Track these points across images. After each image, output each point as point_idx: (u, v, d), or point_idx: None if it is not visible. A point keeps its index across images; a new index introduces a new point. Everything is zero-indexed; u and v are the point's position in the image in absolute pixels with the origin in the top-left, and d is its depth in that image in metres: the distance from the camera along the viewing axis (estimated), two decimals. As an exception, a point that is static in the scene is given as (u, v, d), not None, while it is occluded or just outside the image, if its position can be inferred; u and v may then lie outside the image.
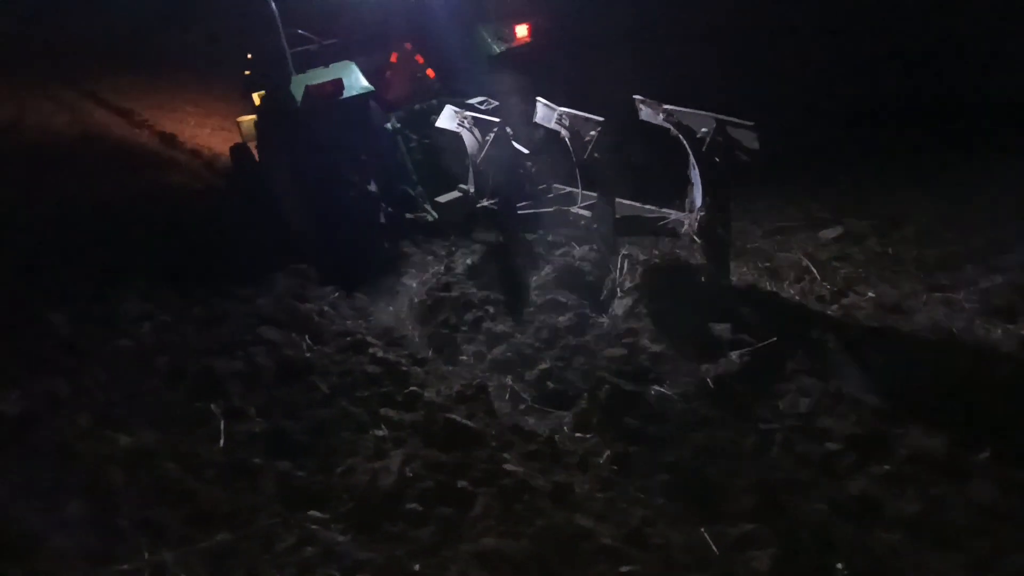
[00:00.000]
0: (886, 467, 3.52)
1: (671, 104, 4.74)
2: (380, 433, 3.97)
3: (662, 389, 4.15)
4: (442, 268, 5.88)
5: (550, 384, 4.31)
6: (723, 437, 3.83)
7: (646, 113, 4.88)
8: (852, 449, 3.62)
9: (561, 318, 4.89)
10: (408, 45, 7.02)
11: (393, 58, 6.95)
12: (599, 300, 5.20)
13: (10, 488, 3.47)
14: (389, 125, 6.66)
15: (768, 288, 5.34)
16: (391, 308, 5.67)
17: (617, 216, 5.18)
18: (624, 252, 5.41)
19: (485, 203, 5.61)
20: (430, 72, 7.09)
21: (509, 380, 4.38)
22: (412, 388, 4.36)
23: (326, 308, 5.54)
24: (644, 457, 3.76)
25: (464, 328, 5.05)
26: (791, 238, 6.27)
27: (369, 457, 3.79)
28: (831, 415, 3.90)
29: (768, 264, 5.76)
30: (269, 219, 6.72)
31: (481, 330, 4.95)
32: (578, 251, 5.67)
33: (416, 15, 6.95)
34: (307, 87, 5.90)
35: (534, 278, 5.42)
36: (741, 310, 4.96)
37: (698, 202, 4.75)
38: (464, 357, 4.75)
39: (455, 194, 6.07)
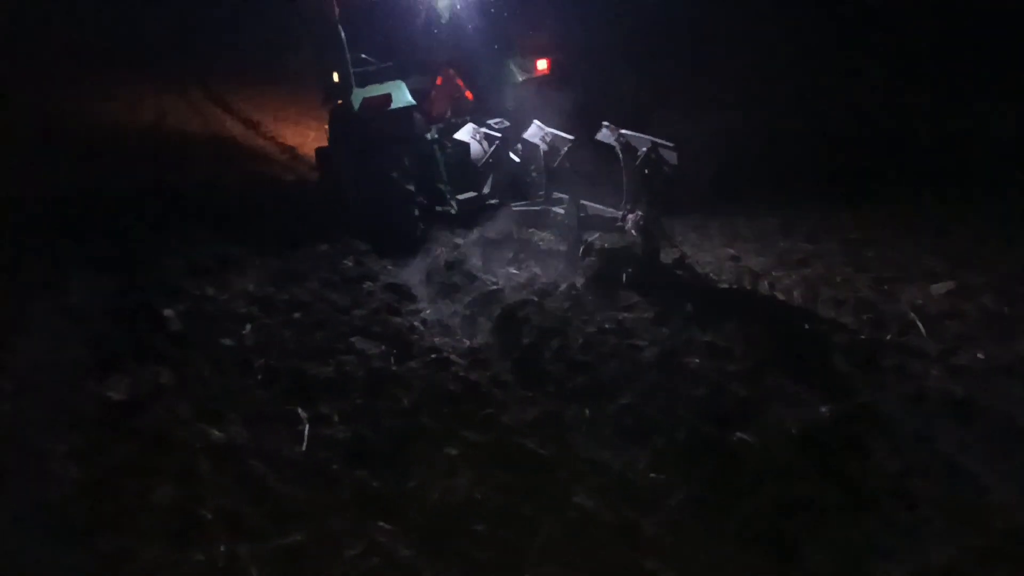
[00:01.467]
0: (979, 541, 3.29)
1: (626, 130, 6.22)
2: (454, 452, 4.01)
3: (745, 436, 4.02)
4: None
5: (628, 418, 4.25)
6: (805, 491, 3.67)
7: (603, 134, 6.32)
8: (942, 517, 3.40)
9: (644, 353, 4.84)
10: (450, 71, 8.30)
11: (438, 81, 8.30)
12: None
13: (107, 468, 3.71)
14: (429, 135, 7.90)
15: (869, 340, 5.11)
16: (478, 321, 5.74)
17: (581, 214, 6.60)
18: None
19: (491, 200, 7.40)
20: (468, 94, 8.40)
21: (588, 412, 4.35)
22: (490, 410, 4.40)
23: (416, 324, 5.68)
24: (720, 503, 3.65)
25: (546, 354, 5.06)
26: (899, 289, 5.99)
27: (441, 474, 3.84)
28: (924, 478, 3.69)
29: (871, 315, 5.51)
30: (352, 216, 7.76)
31: (562, 357, 4.95)
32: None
33: (458, 46, 8.31)
34: (364, 99, 7.39)
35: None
36: (837, 361, 4.79)
37: (630, 203, 6.28)
38: (545, 384, 4.75)
39: (471, 193, 7.65)
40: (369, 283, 6.41)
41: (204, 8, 19.06)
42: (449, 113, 8.27)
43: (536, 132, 6.85)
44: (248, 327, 5.42)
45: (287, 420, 4.32)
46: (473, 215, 7.52)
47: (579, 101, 7.45)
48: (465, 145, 7.33)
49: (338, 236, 7.38)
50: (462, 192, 7.74)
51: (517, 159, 7.11)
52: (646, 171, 5.97)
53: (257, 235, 7.42)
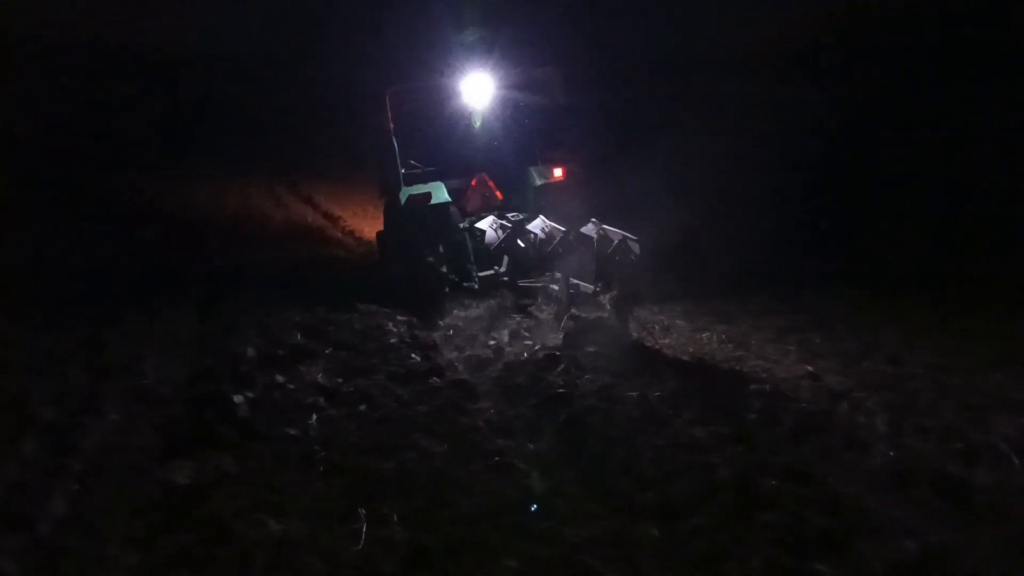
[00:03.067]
0: None
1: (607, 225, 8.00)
2: (513, 564, 3.84)
3: (824, 569, 3.75)
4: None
5: (699, 542, 4.02)
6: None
7: (587, 228, 8.07)
8: None
9: (717, 472, 4.63)
10: (483, 175, 10.16)
11: (472, 182, 10.13)
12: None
13: (164, 555, 3.67)
14: (462, 225, 9.57)
15: (956, 474, 4.77)
16: (543, 424, 5.65)
17: (570, 291, 8.16)
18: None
19: (505, 277, 9.01)
20: (498, 194, 10.19)
21: (656, 533, 4.13)
22: (552, 523, 4.23)
23: (480, 424, 5.59)
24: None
25: (613, 465, 4.90)
26: (988, 418, 5.63)
27: (499, 588, 3.67)
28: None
29: (960, 445, 5.17)
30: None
31: (630, 470, 4.78)
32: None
33: (490, 155, 10.34)
34: (409, 195, 9.23)
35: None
36: (924, 494, 4.48)
37: (600, 282, 7.99)
38: (611, 498, 4.57)
39: (491, 272, 9.18)
40: (436, 379, 6.41)
41: (295, 112, 20.97)
42: (482, 209, 9.94)
43: (538, 224, 8.44)
44: (314, 418, 5.43)
45: (345, 517, 4.24)
46: (491, 288, 9.01)
47: (589, 203, 8.84)
48: (482, 232, 8.83)
49: (403, 324, 7.96)
50: (484, 271, 9.32)
51: (523, 244, 8.60)
52: (616, 258, 7.82)
53: (327, 319, 7.78)
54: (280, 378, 6.19)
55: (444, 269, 9.15)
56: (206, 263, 11.16)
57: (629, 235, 7.84)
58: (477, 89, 10.06)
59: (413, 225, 9.16)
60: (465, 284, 9.22)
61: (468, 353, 7.29)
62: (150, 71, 21.57)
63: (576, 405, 5.67)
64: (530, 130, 10.38)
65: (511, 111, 10.38)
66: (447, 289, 9.02)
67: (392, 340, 7.33)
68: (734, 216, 12.26)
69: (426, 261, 9.01)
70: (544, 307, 8.59)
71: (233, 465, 4.60)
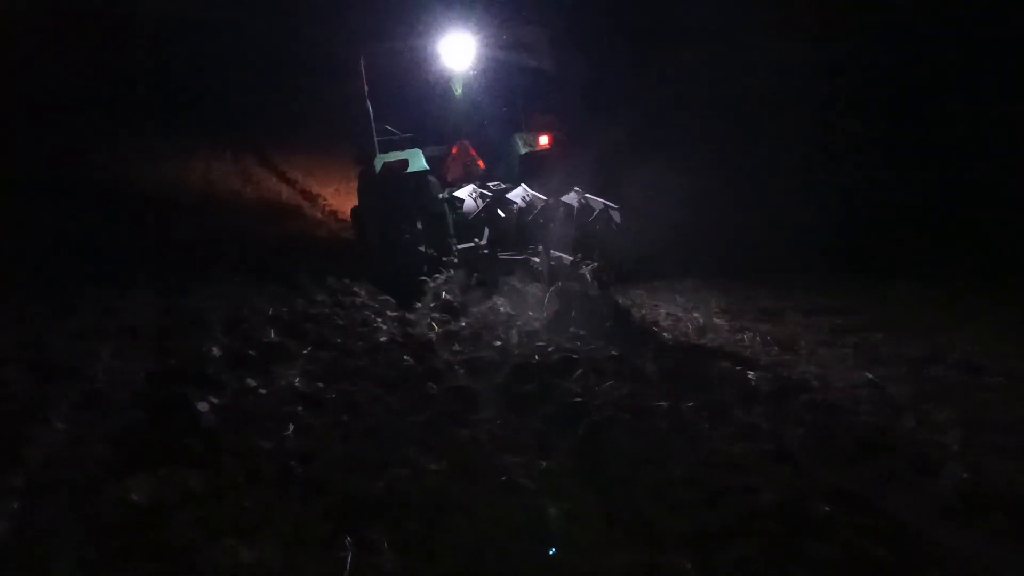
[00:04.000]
0: None
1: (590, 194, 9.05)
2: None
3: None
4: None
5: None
6: None
7: (569, 196, 9.01)
8: None
9: (760, 496, 4.67)
10: (464, 142, 11.01)
11: (453, 150, 11.01)
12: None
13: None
14: (442, 196, 10.38)
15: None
16: (556, 439, 5.70)
17: (552, 263, 9.00)
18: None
19: (485, 251, 9.71)
20: (480, 163, 11.04)
21: (689, 566, 4.17)
22: (567, 553, 4.27)
23: (484, 437, 5.63)
24: None
25: (639, 488, 4.94)
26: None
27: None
28: None
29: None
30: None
31: (658, 493, 4.81)
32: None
33: (472, 121, 11.17)
34: (385, 163, 10.03)
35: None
36: (993, 521, 4.50)
37: (580, 252, 9.04)
38: (636, 525, 4.61)
39: (470, 244, 9.91)
40: (432, 384, 6.46)
41: (267, 76, 21.20)
42: (463, 178, 10.68)
43: (519, 193, 9.25)
44: (291, 429, 5.49)
45: (328, 544, 4.28)
46: (471, 262, 9.81)
47: (574, 171, 9.66)
48: (460, 201, 9.57)
49: (393, 321, 8.20)
50: (464, 243, 10.07)
51: (503, 215, 9.28)
52: (598, 227, 8.89)
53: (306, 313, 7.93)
54: (252, 382, 6.28)
55: (422, 244, 9.97)
56: (168, 248, 11.32)
57: (611, 204, 8.87)
58: (458, 50, 10.64)
59: (389, 196, 9.96)
60: (444, 259, 9.99)
61: (469, 355, 7.33)
62: (100, 32, 21.65)
63: (595, 416, 5.70)
64: (515, 95, 11.15)
65: (495, 74, 11.05)
66: (426, 267, 9.84)
67: (381, 338, 7.41)
68: (752, 190, 13.14)
69: (403, 236, 9.81)
70: (526, 281, 9.38)
71: (199, 483, 4.64)
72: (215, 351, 6.80)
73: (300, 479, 4.87)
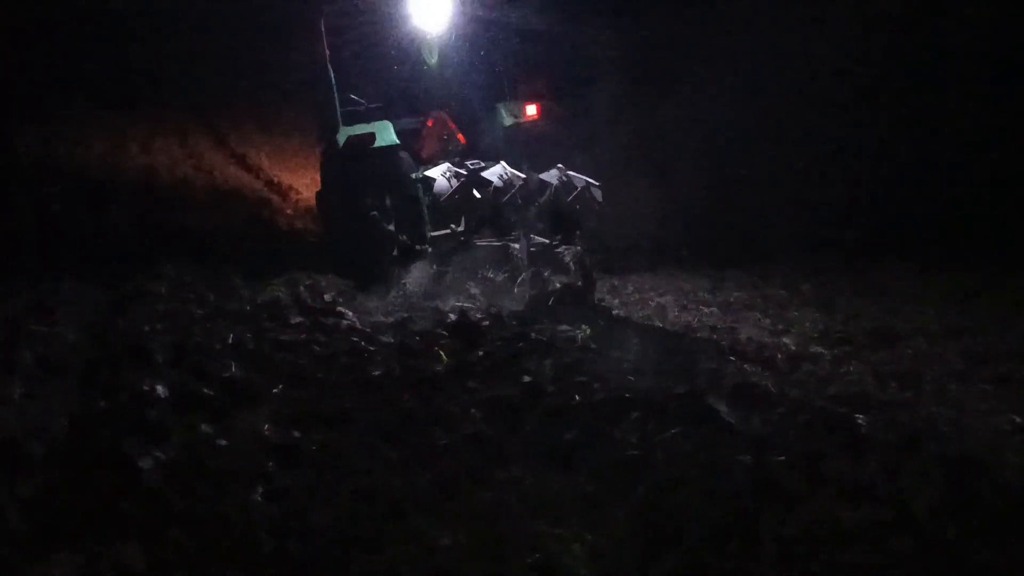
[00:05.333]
0: None
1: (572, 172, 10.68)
2: None
3: None
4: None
5: None
6: None
7: (549, 174, 10.63)
8: None
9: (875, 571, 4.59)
10: (442, 113, 11.89)
11: (429, 123, 11.86)
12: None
13: None
14: (415, 175, 11.21)
15: None
16: (605, 504, 5.65)
17: (532, 248, 10.41)
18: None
19: (462, 238, 10.87)
20: (460, 137, 11.93)
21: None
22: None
23: (512, 501, 5.57)
24: None
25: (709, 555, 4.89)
26: None
27: None
28: None
29: None
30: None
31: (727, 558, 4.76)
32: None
33: (449, 89, 12.00)
34: (349, 136, 10.90)
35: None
36: None
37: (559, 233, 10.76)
38: None
39: (445, 231, 10.94)
40: (441, 431, 6.40)
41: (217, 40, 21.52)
42: (440, 155, 11.57)
43: (496, 171, 10.34)
44: (259, 491, 5.45)
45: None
46: (447, 251, 10.75)
47: (567, 145, 10.86)
48: (433, 180, 10.44)
49: (391, 349, 8.16)
50: (439, 230, 11.01)
51: (479, 195, 10.20)
52: (577, 207, 10.33)
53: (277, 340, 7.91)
54: (207, 429, 6.25)
55: (392, 227, 10.83)
56: (97, 251, 11.41)
57: (592, 181, 10.29)
58: (434, 7, 11.37)
59: (353, 173, 10.88)
60: (418, 247, 10.95)
61: (490, 393, 7.26)
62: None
63: (658, 475, 5.66)
64: (499, 58, 12.04)
65: (475, 35, 11.91)
66: (395, 252, 10.77)
67: (374, 371, 7.36)
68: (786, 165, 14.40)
69: (369, 216, 10.65)
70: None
71: (141, 560, 4.61)
72: (159, 390, 6.75)
73: (270, 557, 4.83)
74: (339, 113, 11.24)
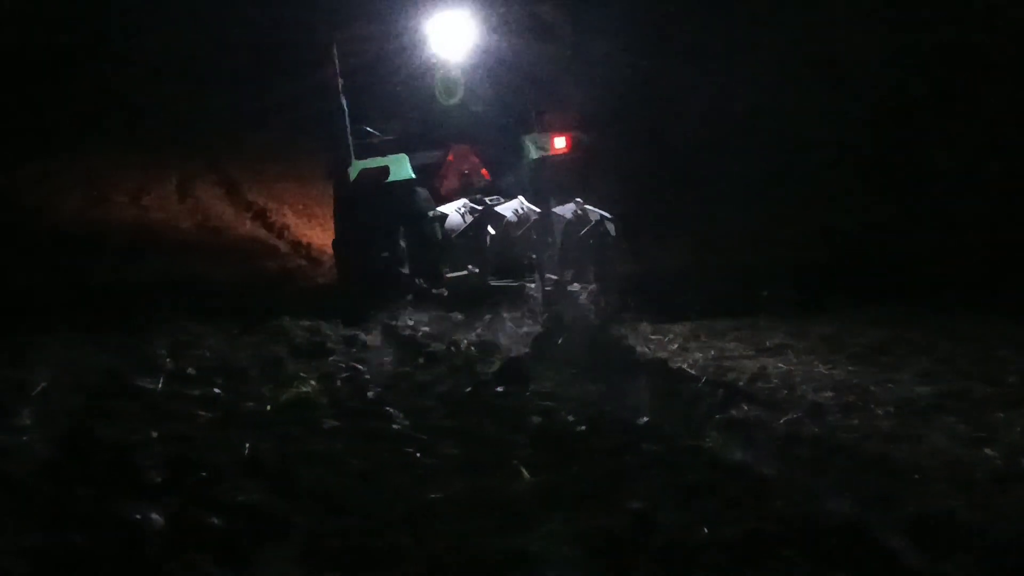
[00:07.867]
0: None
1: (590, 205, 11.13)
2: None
3: None
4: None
5: None
6: None
7: (565, 208, 11.03)
8: None
9: None
10: (464, 146, 12.03)
11: (450, 157, 11.95)
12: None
13: None
14: (431, 213, 11.10)
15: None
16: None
17: (547, 288, 10.50)
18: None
19: (479, 279, 10.85)
20: (484, 172, 12.05)
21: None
22: None
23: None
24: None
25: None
26: None
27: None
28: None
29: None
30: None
31: None
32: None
33: (472, 121, 11.98)
34: (361, 171, 10.93)
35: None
36: None
37: (571, 268, 11.10)
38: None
39: (463, 272, 10.86)
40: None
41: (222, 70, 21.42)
42: (461, 191, 11.77)
43: (512, 206, 10.52)
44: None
45: None
46: (464, 295, 10.67)
47: (598, 179, 10.79)
48: (444, 217, 10.44)
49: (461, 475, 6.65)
50: (456, 271, 10.99)
51: (494, 232, 10.16)
52: (591, 241, 10.36)
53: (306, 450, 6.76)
54: (217, 573, 5.01)
55: (405, 269, 10.82)
56: (77, 317, 10.63)
57: (606, 214, 10.60)
58: (454, 33, 11.43)
59: (365, 211, 10.86)
60: (434, 291, 10.92)
61: (586, 523, 5.85)
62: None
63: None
64: (526, 87, 12.01)
65: (500, 62, 11.80)
66: (409, 296, 10.64)
67: (432, 494, 6.00)
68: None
69: (380, 257, 10.64)
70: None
71: None
72: (154, 519, 5.38)
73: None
74: (352, 146, 11.23)
